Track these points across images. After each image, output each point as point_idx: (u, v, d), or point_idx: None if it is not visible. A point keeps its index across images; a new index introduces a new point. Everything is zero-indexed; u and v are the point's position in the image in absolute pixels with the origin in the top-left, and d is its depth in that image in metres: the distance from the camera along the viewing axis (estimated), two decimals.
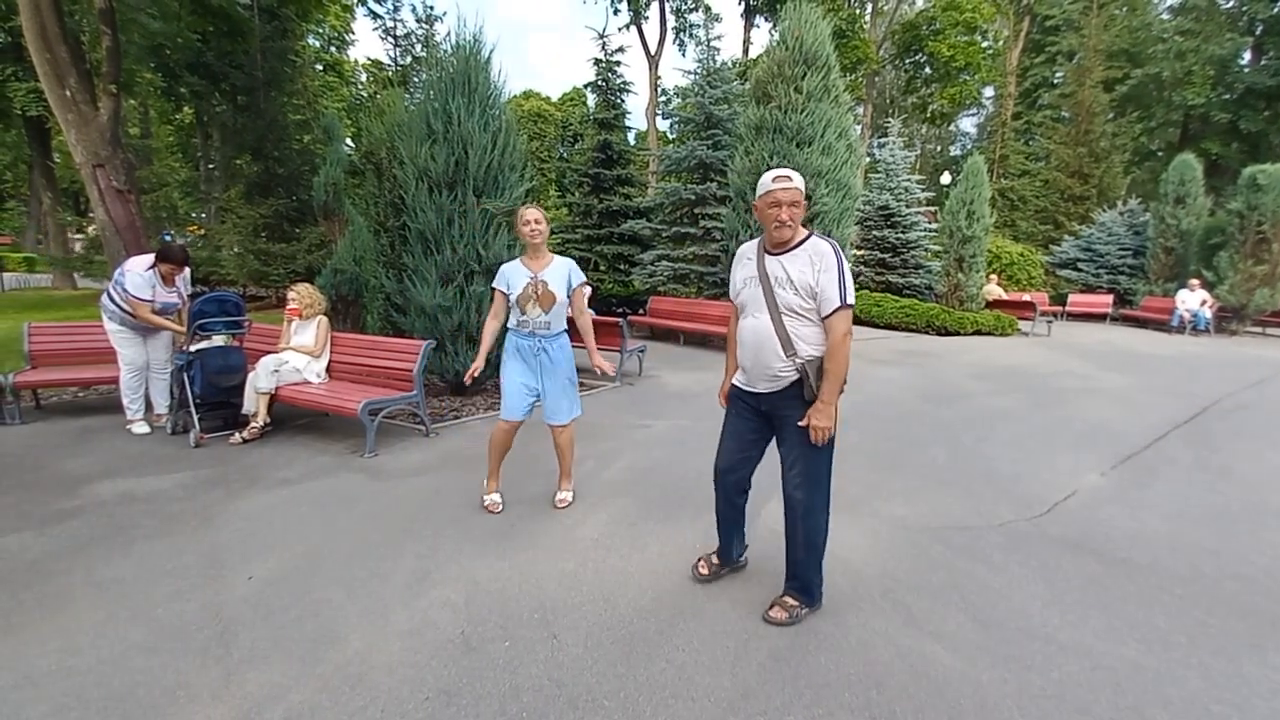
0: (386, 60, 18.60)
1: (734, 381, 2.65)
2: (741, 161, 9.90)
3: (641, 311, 11.27)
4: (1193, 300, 13.54)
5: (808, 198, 9.18)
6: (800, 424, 2.37)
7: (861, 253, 15.62)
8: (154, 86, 15.01)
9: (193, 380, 4.68)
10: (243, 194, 13.54)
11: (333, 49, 27.26)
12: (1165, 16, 26.79)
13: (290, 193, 13.56)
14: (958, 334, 12.34)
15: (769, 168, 9.36)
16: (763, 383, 2.47)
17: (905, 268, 15.30)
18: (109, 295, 4.84)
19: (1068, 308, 16.25)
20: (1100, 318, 16.04)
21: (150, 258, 4.84)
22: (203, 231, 16.20)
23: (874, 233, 15.54)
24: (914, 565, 3.02)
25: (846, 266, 2.33)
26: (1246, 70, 23.03)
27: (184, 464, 4.27)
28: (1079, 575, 2.95)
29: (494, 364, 6.21)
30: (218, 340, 4.84)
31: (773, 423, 2.52)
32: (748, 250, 2.55)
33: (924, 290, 15.05)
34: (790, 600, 2.56)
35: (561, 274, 3.41)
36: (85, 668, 2.19)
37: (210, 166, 16.17)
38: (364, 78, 30.28)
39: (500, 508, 3.57)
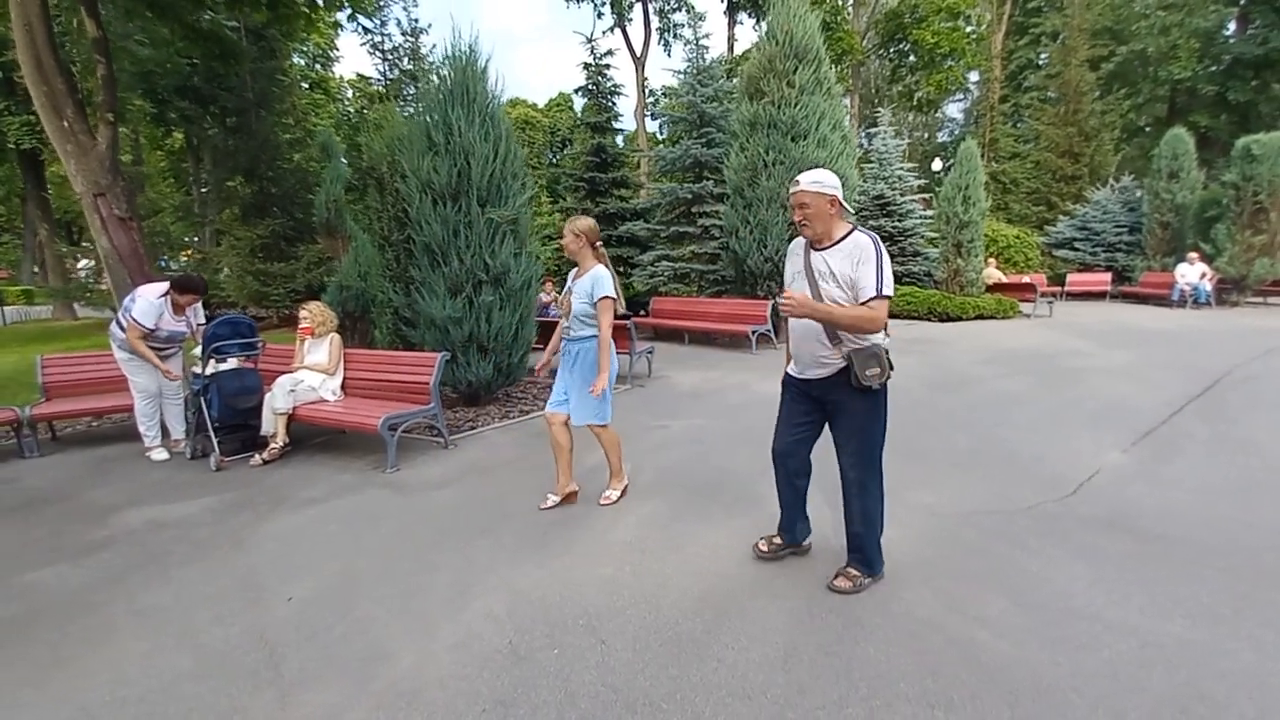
0: (375, 75, 18.59)
1: (787, 370, 2.82)
2: (737, 158, 9.93)
3: (644, 313, 11.29)
4: (1192, 274, 13.57)
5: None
6: (782, 299, 2.45)
7: None
8: (144, 113, 15.01)
9: (210, 404, 4.67)
10: (238, 215, 13.53)
11: (318, 66, 27.24)
12: None
13: (286, 211, 13.57)
14: (960, 319, 12.36)
15: (765, 163, 9.47)
16: (812, 370, 2.64)
17: (904, 255, 15.32)
18: (118, 323, 4.83)
19: (1067, 287, 16.28)
20: (1100, 295, 16.09)
21: (163, 285, 4.83)
22: (199, 255, 16.18)
23: (870, 222, 15.55)
24: (949, 551, 3.03)
25: (887, 259, 2.42)
26: (1232, 41, 23.08)
27: (208, 488, 4.26)
28: (1115, 553, 2.96)
29: (506, 370, 6.21)
30: (232, 363, 4.84)
31: (825, 407, 2.68)
32: (796, 246, 2.69)
33: (923, 277, 15.07)
34: (854, 570, 2.71)
35: (586, 285, 3.52)
36: (137, 697, 2.19)
37: (203, 190, 16.15)
38: (350, 94, 30.30)
39: (548, 503, 3.73)
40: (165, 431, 5.10)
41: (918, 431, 5.03)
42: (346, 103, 29.22)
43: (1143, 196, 16.67)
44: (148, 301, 4.71)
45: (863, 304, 2.41)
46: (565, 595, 2.75)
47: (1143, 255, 16.38)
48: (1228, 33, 23.58)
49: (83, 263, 18.69)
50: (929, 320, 12.45)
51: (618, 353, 7.46)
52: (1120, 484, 3.84)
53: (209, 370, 4.69)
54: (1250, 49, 22.01)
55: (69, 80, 7.51)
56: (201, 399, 4.64)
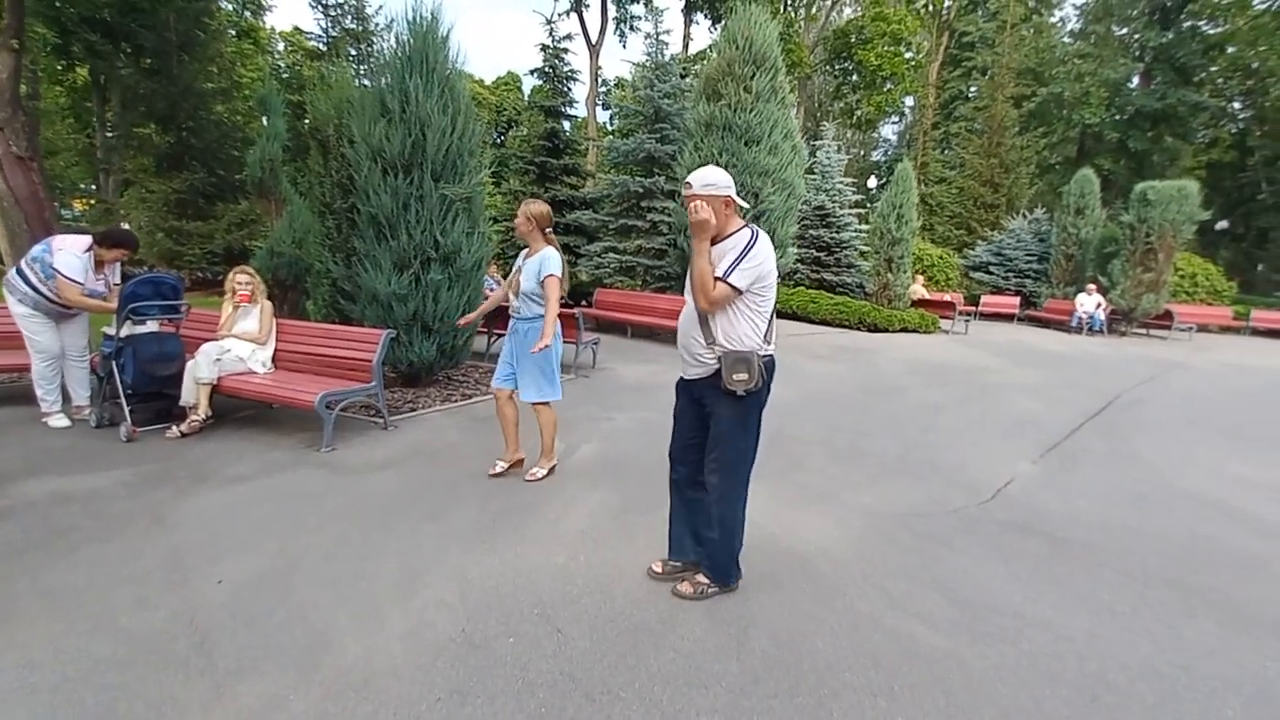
0: (316, 30, 17.47)
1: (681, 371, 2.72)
2: (691, 157, 10.02)
3: (587, 304, 11.23)
4: (1089, 303, 14.84)
5: (755, 195, 9.49)
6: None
7: (799, 251, 16.15)
8: (46, 42, 13.46)
9: (123, 369, 4.29)
10: (150, 166, 12.42)
11: (248, 14, 25.33)
12: (1067, 40, 29.09)
13: (206, 166, 12.57)
14: (887, 331, 13.00)
15: (718, 165, 9.61)
16: (692, 369, 2.59)
17: (839, 266, 15.96)
18: (21, 276, 4.34)
19: (980, 308, 17.43)
20: (1009, 317, 17.32)
21: (87, 240, 4.39)
22: (103, 205, 14.71)
23: (810, 232, 16.11)
24: (886, 551, 3.21)
25: (754, 255, 2.39)
26: (1136, 93, 25.36)
27: (119, 460, 3.92)
28: (1030, 554, 3.23)
29: (450, 352, 6.06)
30: (151, 325, 4.46)
31: (704, 410, 2.59)
32: None
33: (855, 288, 15.75)
34: (701, 578, 2.69)
35: (535, 265, 3.66)
36: (51, 685, 2.00)
37: (108, 134, 14.69)
38: (281, 47, 28.35)
39: (496, 469, 3.94)
40: (67, 397, 4.64)
41: (853, 436, 5.28)
42: (277, 56, 27.35)
43: (1052, 229, 18.06)
44: (74, 256, 4.26)
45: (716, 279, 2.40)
46: (519, 583, 2.73)
47: (1048, 283, 17.75)
48: (1132, 86, 25.87)
49: None
50: (860, 330, 13.03)
51: (565, 341, 7.42)
52: (1031, 491, 4.18)
53: (124, 332, 4.30)
54: (1150, 103, 24.26)
55: None
56: (114, 363, 4.25)
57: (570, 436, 4.86)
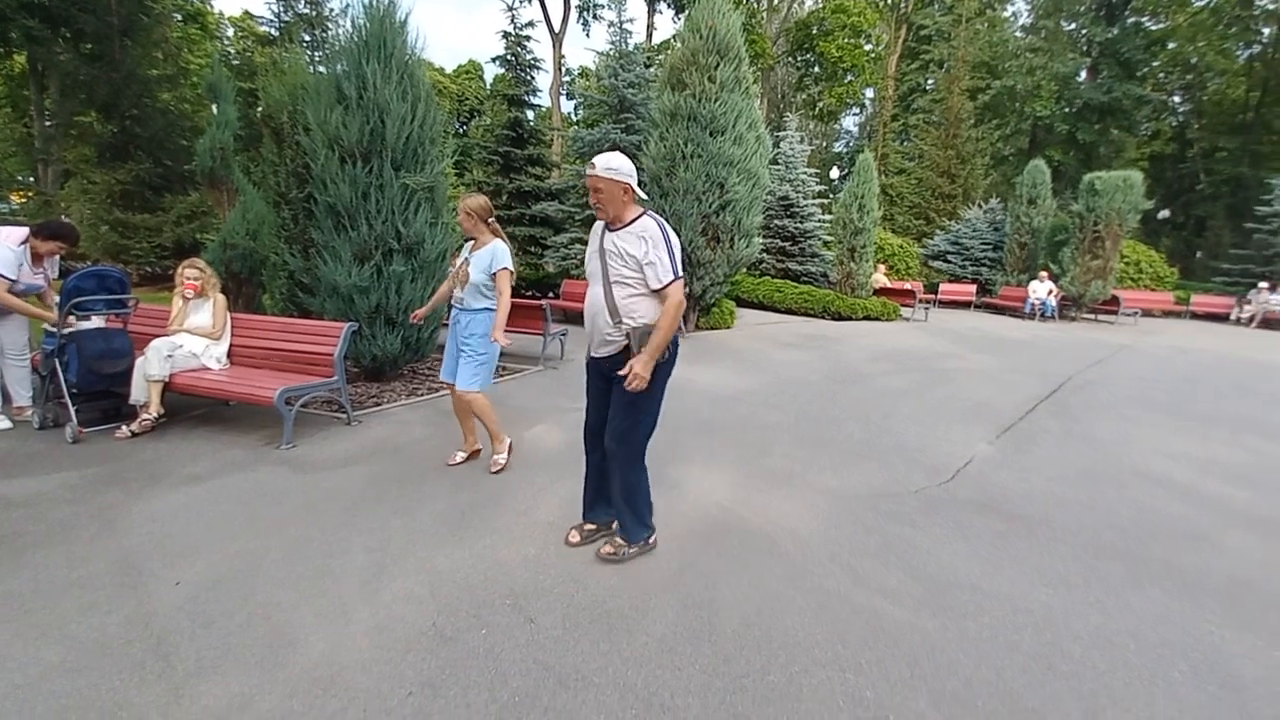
0: (267, 15, 16.81)
1: (589, 350, 2.87)
2: (656, 147, 9.99)
3: (554, 295, 11.15)
4: (1041, 290, 15.37)
5: (721, 185, 9.52)
6: (620, 372, 2.59)
7: (764, 241, 16.30)
8: None
9: (67, 367, 4.10)
10: (93, 156, 11.82)
11: None
12: (1019, 34, 29.91)
13: (153, 157, 12.02)
14: (850, 319, 13.25)
15: (684, 155, 9.63)
16: (600, 348, 2.75)
17: (803, 256, 16.16)
18: None
19: (939, 296, 17.89)
20: (966, 305, 17.81)
21: (23, 231, 4.16)
22: (41, 197, 13.93)
23: (775, 222, 16.25)
24: (852, 530, 3.28)
25: (675, 242, 2.60)
26: (1084, 87, 26.24)
27: (64, 462, 3.75)
28: (988, 531, 3.34)
29: (415, 346, 5.96)
30: (97, 321, 4.26)
31: (613, 384, 2.73)
32: (598, 227, 2.79)
33: (819, 277, 15.98)
34: (619, 539, 2.90)
35: (485, 258, 3.65)
36: None
37: (47, 123, 13.92)
38: (231, 32, 27.28)
39: (455, 459, 3.98)
40: (6, 397, 4.41)
41: (819, 421, 5.38)
42: (227, 41, 26.30)
43: (1006, 218, 18.61)
44: (7, 249, 4.04)
45: (660, 289, 2.55)
46: (489, 575, 2.71)
47: (1003, 271, 18.30)
48: (1080, 80, 26.76)
49: None
50: (823, 318, 13.25)
51: (532, 333, 7.33)
52: (989, 471, 4.32)
53: (68, 329, 4.10)
54: (1097, 96, 25.15)
55: None
56: (56, 360, 4.05)
57: (538, 426, 4.85)
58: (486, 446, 4.10)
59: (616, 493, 2.82)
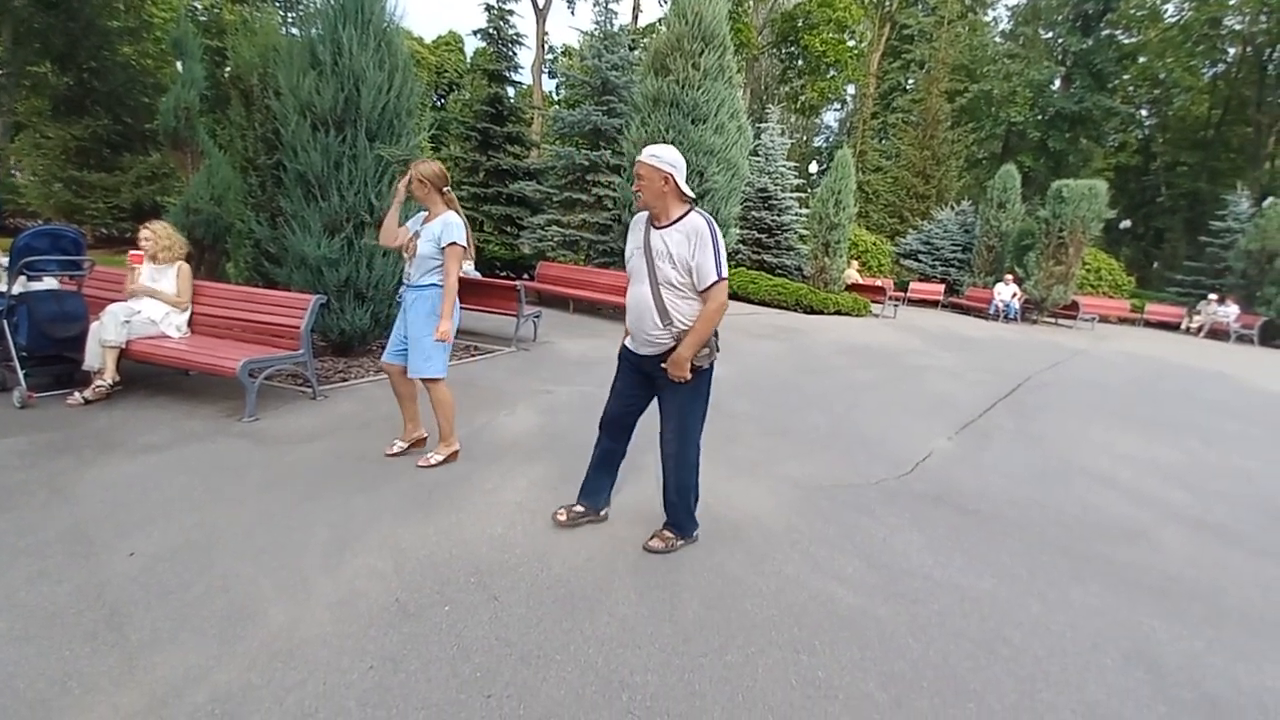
0: None
1: (624, 342, 2.87)
2: (638, 132, 9.95)
3: (529, 276, 11.07)
4: (1006, 292, 15.80)
5: (700, 174, 9.54)
6: (663, 365, 2.61)
7: (740, 232, 16.39)
8: None
9: (16, 329, 3.94)
10: (46, 110, 11.26)
11: None
12: (999, 40, 30.41)
13: (111, 113, 11.50)
14: (821, 313, 13.44)
15: (665, 141, 9.60)
16: (645, 347, 2.71)
17: (779, 248, 16.32)
18: None
19: (909, 293, 18.26)
20: (934, 304, 18.21)
21: None
22: None
23: (752, 213, 16.36)
24: (812, 519, 3.37)
25: (721, 242, 2.54)
26: (1057, 96, 26.86)
27: (12, 428, 3.62)
28: (942, 524, 3.46)
29: (385, 322, 5.87)
30: (49, 282, 4.10)
31: (655, 383, 2.76)
32: (640, 219, 2.73)
33: (794, 271, 16.16)
34: (668, 533, 2.91)
35: (436, 230, 3.39)
36: None
37: None
38: None
39: (394, 449, 3.71)
40: None
41: (785, 411, 5.47)
42: None
43: (976, 221, 19.03)
44: None
45: (704, 290, 2.52)
46: (455, 553, 2.71)
47: (971, 272, 18.75)
48: (1054, 88, 27.37)
49: None
50: (796, 311, 13.41)
51: (506, 314, 7.26)
52: (947, 466, 4.46)
53: (17, 289, 3.94)
54: (1069, 105, 25.76)
55: None
56: (5, 322, 3.89)
57: (508, 408, 4.83)
58: (475, 440, 3.92)
59: (671, 490, 2.84)
